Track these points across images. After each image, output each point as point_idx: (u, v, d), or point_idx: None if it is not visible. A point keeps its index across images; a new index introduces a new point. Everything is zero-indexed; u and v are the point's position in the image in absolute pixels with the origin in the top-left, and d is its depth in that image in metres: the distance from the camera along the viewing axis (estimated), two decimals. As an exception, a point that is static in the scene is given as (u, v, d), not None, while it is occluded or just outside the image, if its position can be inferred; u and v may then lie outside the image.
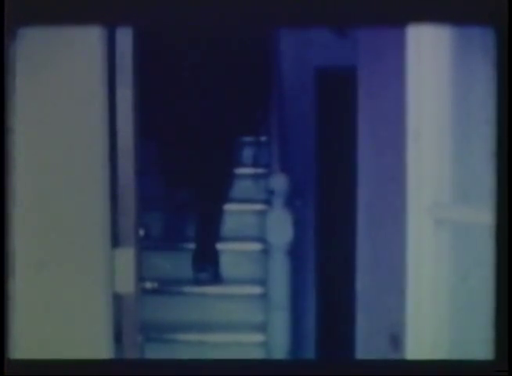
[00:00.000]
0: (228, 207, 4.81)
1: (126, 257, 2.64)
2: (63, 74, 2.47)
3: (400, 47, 2.44)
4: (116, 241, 2.65)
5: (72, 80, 2.48)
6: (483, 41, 2.20)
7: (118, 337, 2.70)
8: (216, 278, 4.61)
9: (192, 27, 1.68)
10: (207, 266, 4.61)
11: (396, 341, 2.54)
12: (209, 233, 4.65)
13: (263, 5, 1.60)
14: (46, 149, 2.48)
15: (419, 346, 2.42)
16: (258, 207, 4.82)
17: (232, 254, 4.73)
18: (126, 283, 2.65)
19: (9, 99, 1.61)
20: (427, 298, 2.41)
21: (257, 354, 4.40)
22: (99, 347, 2.55)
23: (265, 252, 4.48)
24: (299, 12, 1.60)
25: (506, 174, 1.59)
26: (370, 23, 1.68)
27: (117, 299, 2.65)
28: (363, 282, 2.80)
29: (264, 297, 4.47)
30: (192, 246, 4.68)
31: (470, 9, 1.56)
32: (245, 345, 4.47)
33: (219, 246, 4.67)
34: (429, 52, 2.41)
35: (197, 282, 4.60)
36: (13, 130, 1.65)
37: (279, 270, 4.36)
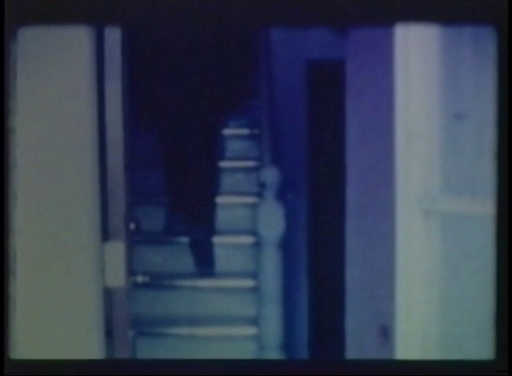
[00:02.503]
0: (220, 200, 4.81)
1: (116, 251, 2.64)
2: (50, 68, 2.46)
3: (389, 39, 2.44)
4: (106, 235, 2.65)
5: (60, 75, 2.47)
6: (471, 34, 2.20)
7: (109, 331, 2.69)
8: (211, 268, 4.62)
9: (183, 19, 1.67)
10: (204, 259, 4.62)
11: (386, 332, 2.54)
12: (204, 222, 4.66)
13: (256, 4, 1.60)
14: (36, 144, 2.47)
15: (409, 338, 2.42)
16: (250, 200, 4.81)
17: (224, 247, 4.72)
18: (116, 277, 2.64)
19: (9, 99, 1.62)
20: (417, 290, 2.41)
21: (249, 347, 4.40)
22: (89, 341, 2.55)
23: (257, 245, 4.48)
24: (290, 12, 1.59)
25: (506, 171, 1.59)
26: (368, 23, 1.68)
27: (108, 293, 2.64)
28: (353, 274, 2.80)
29: (256, 290, 4.47)
30: (184, 240, 4.69)
31: (470, 9, 1.56)
32: (237, 339, 4.47)
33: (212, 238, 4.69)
34: (417, 45, 2.41)
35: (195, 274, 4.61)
36: (14, 129, 1.65)
37: (271, 263, 4.36)
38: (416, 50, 2.42)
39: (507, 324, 1.58)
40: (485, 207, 2.13)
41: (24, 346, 2.30)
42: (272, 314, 4.34)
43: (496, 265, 1.59)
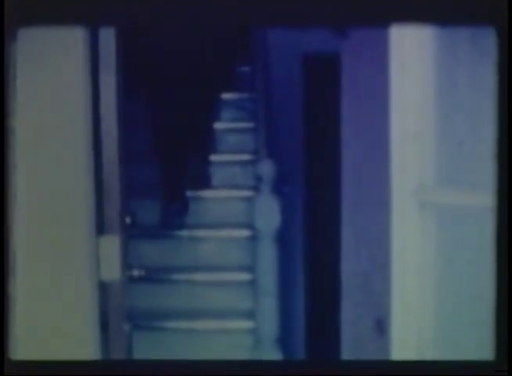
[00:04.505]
0: (216, 193, 4.82)
1: (111, 244, 2.63)
2: (44, 63, 2.46)
3: (384, 34, 2.44)
4: (101, 229, 2.64)
5: (54, 69, 2.47)
6: (467, 32, 2.20)
7: (105, 325, 2.69)
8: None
9: (179, 15, 1.67)
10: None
11: (382, 325, 2.54)
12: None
13: (253, 3, 1.59)
14: (30, 139, 2.47)
15: (404, 330, 2.42)
16: (246, 193, 4.82)
17: (220, 240, 4.73)
18: (112, 271, 2.64)
19: (9, 99, 1.62)
20: (413, 282, 2.41)
21: (245, 341, 4.40)
22: (85, 335, 2.54)
23: (253, 238, 4.47)
24: (288, 12, 1.59)
25: (506, 168, 1.59)
26: (367, 24, 1.68)
27: (103, 287, 2.64)
28: (348, 267, 2.80)
29: (252, 283, 4.47)
30: (180, 233, 4.69)
31: (470, 9, 1.55)
32: (234, 332, 4.47)
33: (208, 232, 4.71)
34: (412, 40, 2.41)
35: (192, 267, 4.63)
36: (13, 130, 1.66)
37: (267, 256, 4.36)
38: (411, 44, 2.42)
39: (507, 324, 1.58)
40: (481, 199, 2.13)
41: (19, 339, 2.29)
42: (269, 307, 4.34)
43: (496, 265, 1.59)
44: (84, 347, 2.53)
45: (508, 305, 1.58)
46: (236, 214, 4.83)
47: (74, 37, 2.45)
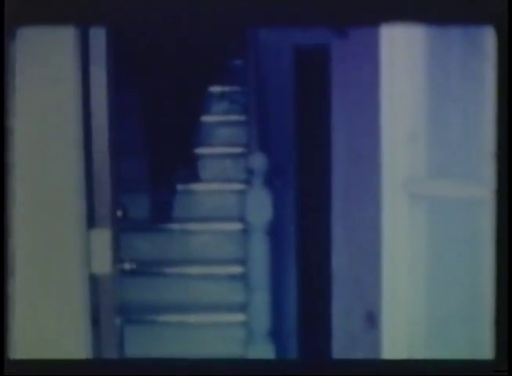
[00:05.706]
0: (207, 186, 4.82)
1: (102, 238, 2.63)
2: (38, 60, 2.45)
3: (375, 29, 2.44)
4: (92, 222, 2.64)
5: (47, 66, 2.46)
6: (459, 29, 2.20)
7: (96, 319, 2.69)
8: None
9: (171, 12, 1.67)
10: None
11: (372, 317, 2.55)
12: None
13: (248, 3, 1.59)
14: (21, 134, 2.46)
15: (395, 323, 2.42)
16: (238, 186, 4.81)
17: (212, 234, 4.72)
18: (103, 264, 2.64)
19: (8, 99, 1.62)
20: (403, 275, 2.41)
21: (237, 334, 4.40)
22: (76, 329, 2.54)
23: (245, 232, 4.47)
24: (279, 11, 1.59)
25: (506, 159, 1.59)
26: (367, 23, 1.68)
27: (94, 280, 2.64)
28: (339, 260, 2.80)
29: (244, 277, 4.47)
30: (171, 227, 4.69)
31: (470, 9, 1.56)
32: (225, 325, 4.47)
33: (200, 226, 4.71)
34: (403, 34, 2.41)
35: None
36: (13, 129, 1.66)
37: (259, 250, 4.35)
38: (402, 37, 2.42)
39: (507, 324, 1.58)
40: (471, 192, 2.13)
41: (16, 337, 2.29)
42: (260, 301, 4.34)
43: (496, 266, 1.59)
44: (76, 341, 2.52)
45: (508, 305, 1.58)
46: (227, 207, 4.82)
47: (69, 35, 2.45)
